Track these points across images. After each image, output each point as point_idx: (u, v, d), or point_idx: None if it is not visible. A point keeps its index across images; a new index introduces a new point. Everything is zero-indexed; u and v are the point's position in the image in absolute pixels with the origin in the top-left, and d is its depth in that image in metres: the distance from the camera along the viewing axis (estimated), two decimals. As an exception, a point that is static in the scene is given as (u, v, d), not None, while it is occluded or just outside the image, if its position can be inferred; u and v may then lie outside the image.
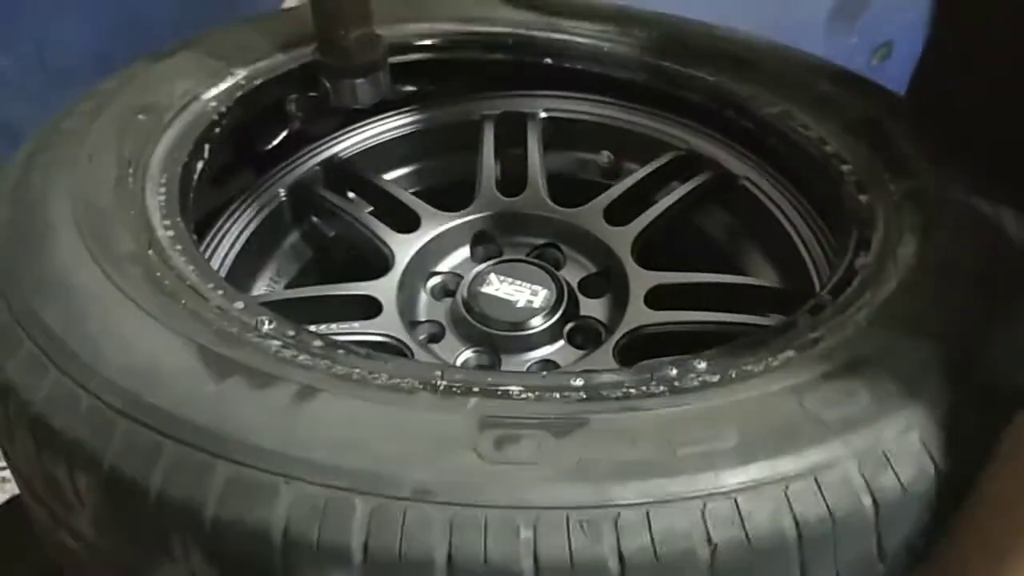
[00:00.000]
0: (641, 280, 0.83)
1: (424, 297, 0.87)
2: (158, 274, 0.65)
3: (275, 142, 0.92)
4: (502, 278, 0.83)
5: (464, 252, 0.92)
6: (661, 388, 0.59)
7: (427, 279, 0.88)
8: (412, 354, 0.77)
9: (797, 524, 0.53)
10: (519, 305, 0.82)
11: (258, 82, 0.88)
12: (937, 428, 0.57)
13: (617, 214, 0.90)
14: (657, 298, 0.81)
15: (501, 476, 0.52)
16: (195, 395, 0.56)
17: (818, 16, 1.73)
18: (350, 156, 0.97)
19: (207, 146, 0.81)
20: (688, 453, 0.54)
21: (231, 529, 0.52)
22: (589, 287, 0.88)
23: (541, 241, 0.92)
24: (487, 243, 0.93)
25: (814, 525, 0.53)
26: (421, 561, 0.50)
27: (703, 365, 0.61)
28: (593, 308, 0.86)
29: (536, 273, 0.85)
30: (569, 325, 0.84)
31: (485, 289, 0.83)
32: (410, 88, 0.98)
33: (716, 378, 0.60)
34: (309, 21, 0.88)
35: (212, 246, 0.87)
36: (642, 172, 0.94)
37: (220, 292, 0.66)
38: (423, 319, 0.85)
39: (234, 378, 0.57)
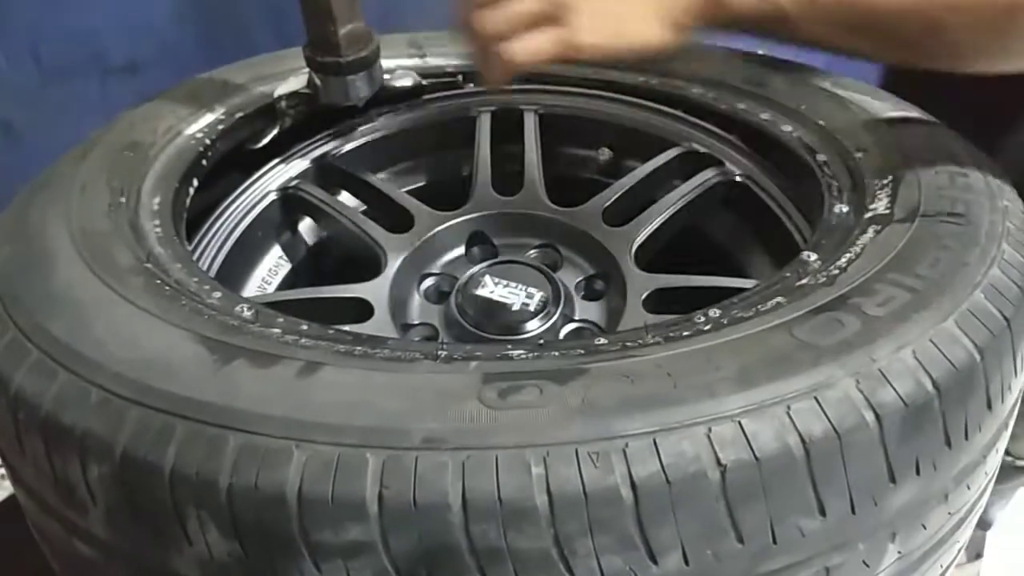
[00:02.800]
0: (640, 283, 0.81)
1: (417, 299, 0.86)
2: (157, 282, 0.67)
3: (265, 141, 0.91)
4: (497, 280, 0.82)
5: (459, 253, 0.90)
6: (656, 339, 0.61)
7: (420, 280, 0.86)
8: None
9: (803, 441, 0.53)
10: (514, 308, 0.80)
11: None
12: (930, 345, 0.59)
13: (616, 214, 0.89)
14: (656, 301, 0.80)
15: (508, 420, 0.53)
16: (203, 378, 0.57)
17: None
18: (342, 154, 0.95)
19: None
20: (688, 384, 0.55)
21: (246, 497, 0.53)
22: (587, 290, 0.86)
23: (538, 242, 0.90)
24: (482, 244, 0.90)
25: (820, 442, 0.54)
26: (436, 505, 0.51)
27: (701, 319, 0.63)
28: (590, 311, 0.84)
29: (532, 275, 0.83)
30: (565, 329, 0.82)
31: (480, 291, 0.81)
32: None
33: (708, 326, 0.62)
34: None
35: (202, 245, 0.87)
36: (642, 170, 0.92)
37: (217, 294, 0.67)
38: (416, 322, 0.83)
39: (239, 360, 0.59)
